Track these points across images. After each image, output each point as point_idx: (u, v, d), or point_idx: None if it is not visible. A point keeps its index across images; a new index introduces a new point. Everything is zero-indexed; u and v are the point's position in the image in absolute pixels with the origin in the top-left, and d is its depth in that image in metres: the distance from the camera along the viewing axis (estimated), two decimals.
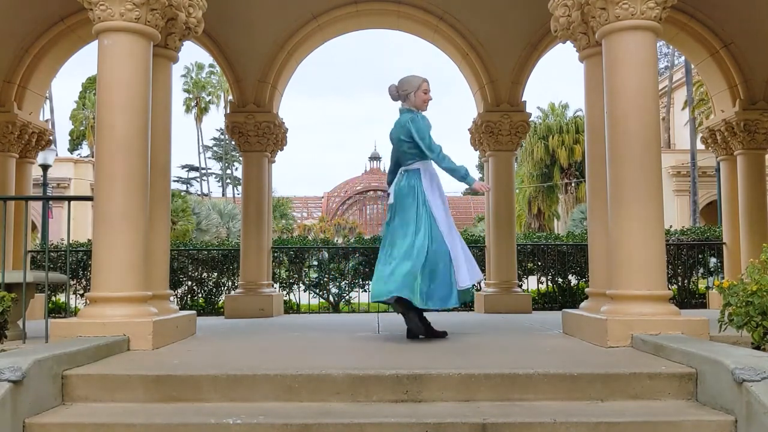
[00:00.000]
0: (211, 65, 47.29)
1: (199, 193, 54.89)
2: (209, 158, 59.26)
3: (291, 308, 10.76)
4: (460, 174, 5.15)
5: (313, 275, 11.44)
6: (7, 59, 8.08)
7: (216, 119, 76.64)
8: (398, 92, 5.32)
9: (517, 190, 35.19)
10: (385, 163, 45.41)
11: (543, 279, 11.30)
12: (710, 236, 11.50)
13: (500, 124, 8.83)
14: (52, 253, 10.79)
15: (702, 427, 3.03)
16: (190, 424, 3.03)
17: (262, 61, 8.58)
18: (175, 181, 47.71)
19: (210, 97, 49.00)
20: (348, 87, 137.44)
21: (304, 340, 5.21)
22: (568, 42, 5.53)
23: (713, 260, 11.13)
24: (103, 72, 4.66)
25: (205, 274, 11.27)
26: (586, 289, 5.47)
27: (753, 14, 7.94)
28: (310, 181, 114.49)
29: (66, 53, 8.41)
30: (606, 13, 4.72)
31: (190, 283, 11.24)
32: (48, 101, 32.05)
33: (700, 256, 11.31)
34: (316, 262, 11.58)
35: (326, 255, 11.64)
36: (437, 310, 5.51)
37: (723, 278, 7.63)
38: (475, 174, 8.02)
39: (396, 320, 6.90)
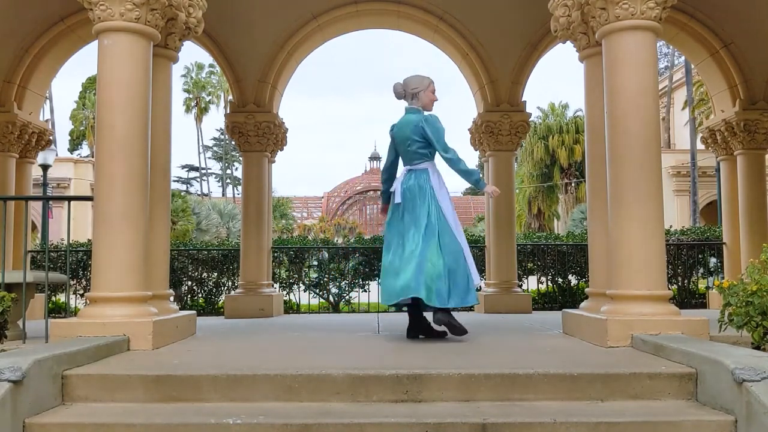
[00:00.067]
0: (211, 65, 47.31)
1: (199, 193, 54.91)
2: (209, 158, 59.38)
3: (291, 308, 10.75)
4: (474, 178, 5.14)
5: (313, 275, 11.43)
6: (7, 59, 8.08)
7: (216, 119, 76.84)
8: (405, 90, 5.30)
9: (517, 190, 35.22)
10: None
11: (543, 279, 11.30)
12: (710, 236, 11.50)
13: (500, 124, 8.84)
14: (52, 253, 10.79)
15: (702, 427, 3.03)
16: (190, 424, 3.03)
17: (262, 61, 8.58)
18: (175, 181, 47.73)
19: (210, 97, 49.01)
20: (348, 87, 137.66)
21: (304, 340, 5.20)
22: (568, 42, 5.52)
23: (713, 260, 11.13)
24: (103, 72, 4.66)
25: (205, 274, 11.27)
26: (586, 289, 5.46)
27: (753, 14, 7.94)
28: (310, 181, 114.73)
29: (66, 53, 8.42)
30: (606, 13, 4.72)
31: (190, 283, 11.25)
32: (48, 101, 32.07)
33: (700, 256, 11.31)
34: (316, 262, 11.57)
35: (326, 255, 11.64)
36: (456, 309, 5.47)
37: (723, 278, 7.62)
38: None
39: (396, 320, 6.91)
